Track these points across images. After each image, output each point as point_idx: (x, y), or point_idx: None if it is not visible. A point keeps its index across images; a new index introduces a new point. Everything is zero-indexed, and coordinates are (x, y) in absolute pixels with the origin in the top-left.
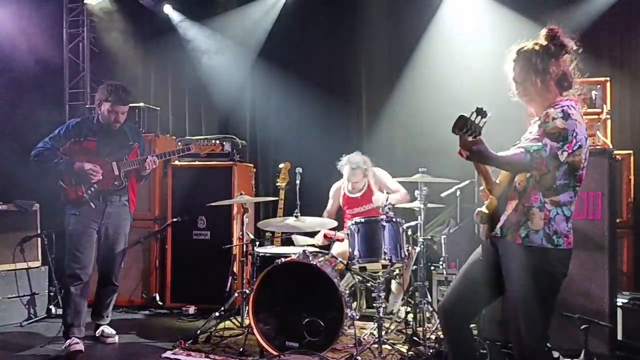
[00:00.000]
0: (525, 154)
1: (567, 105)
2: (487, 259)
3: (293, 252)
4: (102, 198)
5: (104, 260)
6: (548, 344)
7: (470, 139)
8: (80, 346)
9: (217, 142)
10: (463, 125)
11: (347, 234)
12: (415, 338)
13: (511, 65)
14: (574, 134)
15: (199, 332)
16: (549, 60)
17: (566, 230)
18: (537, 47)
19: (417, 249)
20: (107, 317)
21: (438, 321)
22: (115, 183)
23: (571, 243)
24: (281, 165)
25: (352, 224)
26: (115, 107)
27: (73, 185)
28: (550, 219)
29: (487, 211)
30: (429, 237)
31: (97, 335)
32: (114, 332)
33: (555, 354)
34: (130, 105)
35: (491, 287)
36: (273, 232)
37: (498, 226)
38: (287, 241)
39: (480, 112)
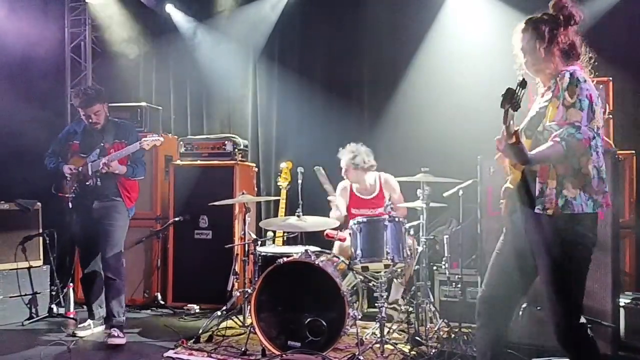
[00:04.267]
0: (559, 143)
1: (572, 69)
2: (513, 240)
3: (295, 251)
4: (89, 197)
5: (102, 253)
6: (583, 317)
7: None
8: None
9: (158, 137)
10: (511, 98)
11: (350, 234)
12: (417, 338)
13: (519, 35)
14: (590, 98)
15: (201, 331)
16: (557, 29)
17: (603, 190)
18: (545, 17)
19: (420, 248)
20: (113, 317)
21: (441, 321)
22: (88, 183)
23: (609, 203)
24: (283, 165)
25: (354, 223)
26: (84, 110)
27: (66, 187)
28: (585, 184)
29: (511, 186)
30: (431, 237)
31: (104, 339)
32: (121, 335)
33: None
34: (106, 103)
35: (523, 270)
36: (275, 232)
37: (539, 200)
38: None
39: (522, 84)
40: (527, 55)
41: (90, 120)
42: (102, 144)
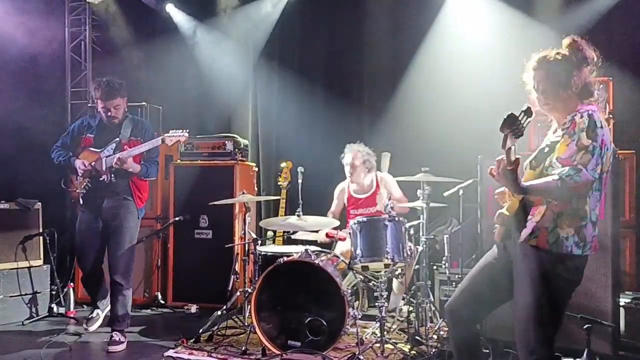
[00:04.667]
0: (556, 181)
1: (591, 110)
2: (500, 262)
3: (295, 251)
4: (99, 194)
5: (108, 256)
6: (556, 353)
7: (510, 142)
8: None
9: (184, 132)
10: (512, 124)
11: (350, 233)
12: (417, 337)
13: (531, 74)
14: (602, 143)
15: (201, 331)
16: (572, 72)
17: (592, 235)
18: (559, 57)
19: (420, 248)
20: (118, 321)
21: (441, 320)
22: (102, 179)
23: (597, 248)
24: (283, 165)
25: (355, 223)
26: (104, 103)
27: (77, 182)
28: (580, 226)
29: (507, 213)
30: (432, 237)
31: (105, 340)
32: (122, 340)
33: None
34: (125, 98)
35: (501, 291)
36: (275, 231)
37: (525, 232)
38: (288, 240)
39: (528, 112)
40: (540, 94)
41: (109, 114)
42: (118, 139)
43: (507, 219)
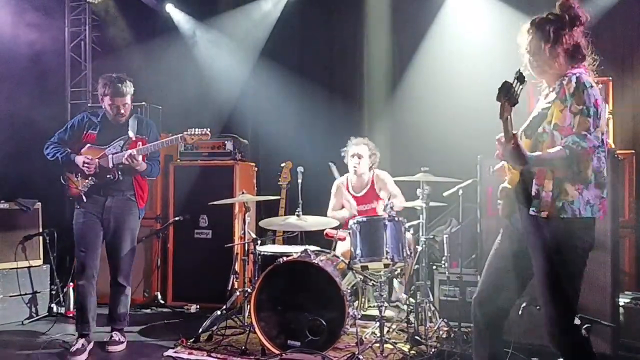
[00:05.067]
0: (564, 150)
1: (578, 73)
2: (510, 241)
3: (295, 251)
4: (103, 192)
5: (110, 257)
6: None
7: (508, 106)
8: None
9: (205, 130)
10: (507, 91)
11: (349, 233)
12: (417, 337)
13: (525, 36)
14: (596, 103)
15: (200, 330)
16: (562, 30)
17: (599, 197)
18: (550, 17)
19: (419, 247)
20: (119, 320)
21: (440, 320)
22: (108, 176)
23: (606, 211)
24: (283, 164)
25: (354, 223)
26: (114, 99)
27: (77, 180)
28: (583, 188)
29: (510, 186)
30: (431, 237)
31: (105, 340)
32: (122, 339)
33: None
34: (131, 94)
35: (520, 271)
36: (275, 231)
37: (534, 202)
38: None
39: (520, 78)
40: (531, 55)
41: (117, 111)
42: (126, 136)
43: (510, 192)
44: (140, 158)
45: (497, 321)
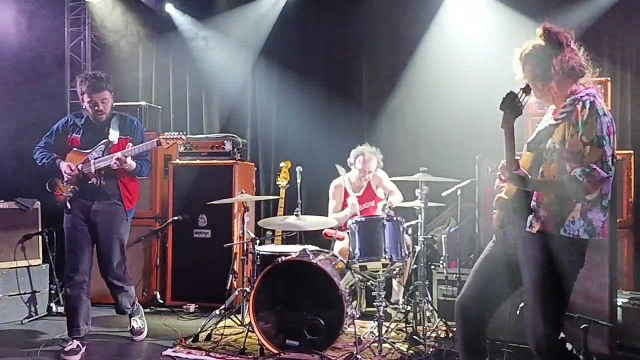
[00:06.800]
0: (571, 180)
1: (592, 97)
2: (502, 251)
3: (293, 250)
4: (89, 196)
5: (100, 261)
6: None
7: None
8: (77, 357)
9: (181, 134)
10: (511, 101)
11: (348, 233)
12: (415, 337)
13: (518, 67)
14: (609, 131)
15: (199, 330)
16: (550, 60)
17: (601, 220)
18: (534, 50)
19: (418, 247)
20: (128, 309)
21: (439, 320)
22: (90, 182)
23: (605, 233)
24: (282, 164)
25: (353, 223)
26: (91, 96)
27: (63, 185)
28: (587, 209)
29: (506, 197)
30: (430, 236)
31: (129, 330)
32: (142, 325)
33: None
34: (112, 93)
35: (509, 280)
36: (274, 231)
37: (530, 218)
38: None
39: (526, 90)
40: (529, 83)
41: (96, 108)
42: (107, 140)
43: (506, 202)
44: (129, 160)
45: (479, 325)
